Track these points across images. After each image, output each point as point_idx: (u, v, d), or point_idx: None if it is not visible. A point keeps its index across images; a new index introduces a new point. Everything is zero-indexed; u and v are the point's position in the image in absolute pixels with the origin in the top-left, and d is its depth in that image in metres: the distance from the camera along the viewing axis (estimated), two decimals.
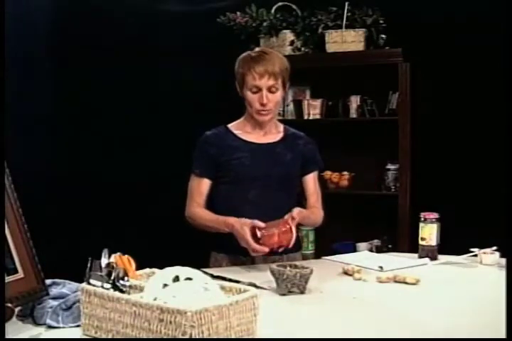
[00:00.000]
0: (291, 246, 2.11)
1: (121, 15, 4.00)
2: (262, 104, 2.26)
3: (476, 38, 3.47)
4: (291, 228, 2.07)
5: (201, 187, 2.33)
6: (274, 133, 2.41)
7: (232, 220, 2.15)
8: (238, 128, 2.40)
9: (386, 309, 1.73)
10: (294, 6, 3.84)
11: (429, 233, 2.32)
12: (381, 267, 2.16)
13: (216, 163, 2.31)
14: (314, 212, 2.39)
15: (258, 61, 2.25)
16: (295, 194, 2.41)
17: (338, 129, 3.81)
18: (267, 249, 2.05)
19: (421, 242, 2.35)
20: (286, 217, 2.11)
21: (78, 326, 1.47)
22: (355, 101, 3.77)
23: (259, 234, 2.05)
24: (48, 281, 1.62)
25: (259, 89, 2.25)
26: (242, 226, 2.09)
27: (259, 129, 2.38)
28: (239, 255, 2.24)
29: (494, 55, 3.38)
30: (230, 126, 2.42)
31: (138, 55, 4.00)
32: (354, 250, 3.55)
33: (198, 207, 2.32)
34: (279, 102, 2.35)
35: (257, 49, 2.42)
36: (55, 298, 1.56)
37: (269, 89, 2.25)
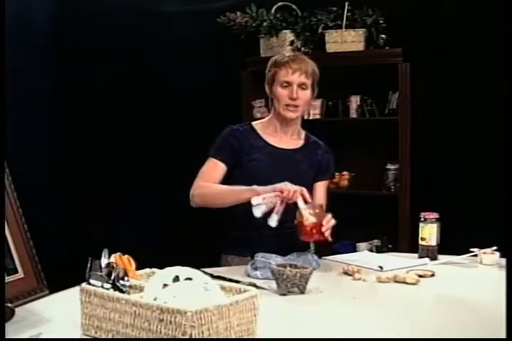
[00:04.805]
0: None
1: (121, 15, 3.99)
2: (292, 99, 2.28)
3: (476, 37, 3.48)
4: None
5: (216, 169, 2.31)
6: (296, 140, 2.43)
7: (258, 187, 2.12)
8: (262, 127, 2.41)
9: (386, 309, 1.73)
10: (294, 6, 3.84)
11: (429, 233, 2.32)
12: (381, 267, 2.16)
13: (235, 156, 2.31)
14: None
15: (294, 60, 2.31)
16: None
17: (338, 129, 3.80)
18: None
19: (421, 242, 2.35)
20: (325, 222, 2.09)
21: None
22: (355, 101, 3.77)
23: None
24: None
25: (289, 84, 2.28)
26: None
27: (283, 131, 2.38)
28: (248, 256, 2.23)
29: (494, 55, 3.38)
30: (254, 124, 2.43)
31: (138, 55, 4.00)
32: (354, 250, 3.54)
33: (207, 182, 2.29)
34: (308, 102, 2.37)
35: (289, 53, 2.46)
36: None
37: (300, 86, 2.29)
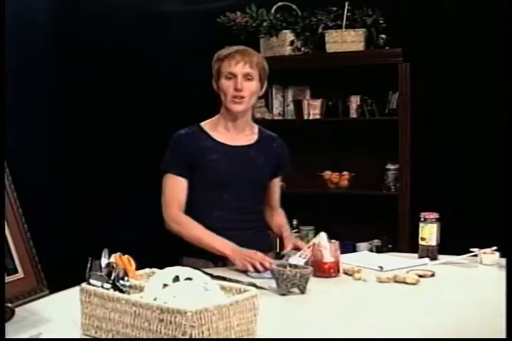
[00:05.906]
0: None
1: (121, 15, 3.99)
2: (237, 90, 2.21)
3: (476, 37, 3.47)
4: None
5: (179, 187, 2.26)
6: (249, 135, 2.36)
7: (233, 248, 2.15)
8: (211, 127, 2.34)
9: (386, 309, 1.73)
10: (294, 6, 3.83)
11: (429, 233, 2.32)
12: (381, 267, 2.16)
13: (189, 163, 2.26)
14: (281, 215, 2.44)
15: (237, 51, 2.25)
16: (263, 196, 2.42)
17: (338, 129, 3.81)
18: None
19: (421, 242, 2.35)
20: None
21: None
22: (355, 101, 3.77)
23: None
24: None
25: (234, 76, 2.22)
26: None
27: (233, 127, 2.32)
28: (209, 260, 2.22)
29: (494, 55, 3.38)
30: (203, 124, 2.36)
31: (138, 55, 3.99)
32: (354, 250, 3.54)
33: (181, 212, 2.26)
34: (255, 94, 2.27)
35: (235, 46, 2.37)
36: None
37: (245, 77, 2.22)
